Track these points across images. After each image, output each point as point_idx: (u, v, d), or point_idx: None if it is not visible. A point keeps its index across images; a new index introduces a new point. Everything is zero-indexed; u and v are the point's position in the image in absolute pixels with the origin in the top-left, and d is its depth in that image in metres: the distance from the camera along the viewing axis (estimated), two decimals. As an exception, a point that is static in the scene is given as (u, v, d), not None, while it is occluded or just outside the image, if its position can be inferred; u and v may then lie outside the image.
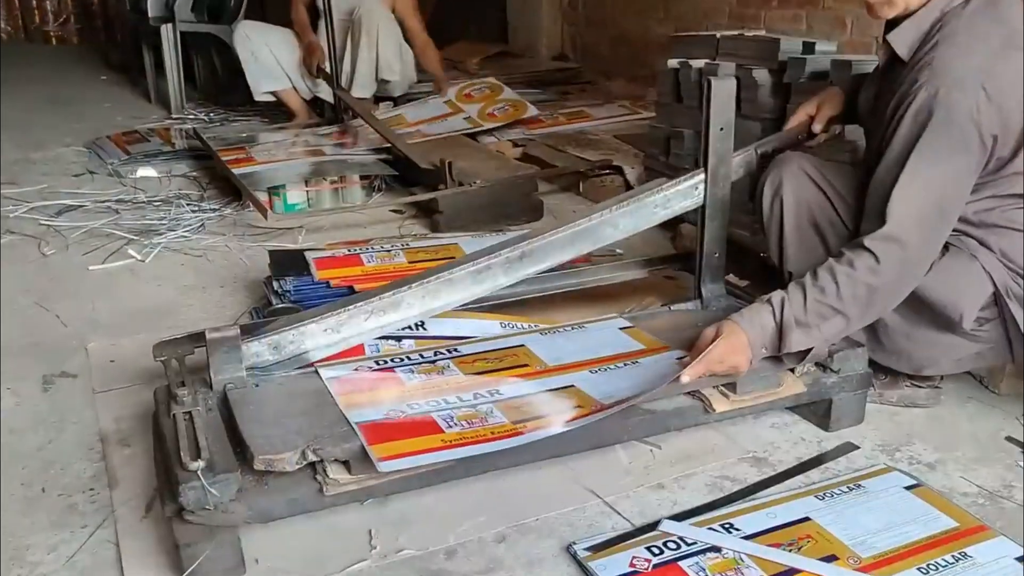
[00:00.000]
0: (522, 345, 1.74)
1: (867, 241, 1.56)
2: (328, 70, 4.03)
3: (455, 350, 1.71)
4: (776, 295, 1.60)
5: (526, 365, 1.67)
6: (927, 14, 1.61)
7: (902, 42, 1.63)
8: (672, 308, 1.96)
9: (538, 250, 1.76)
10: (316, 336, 1.61)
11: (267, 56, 4.11)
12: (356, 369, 1.62)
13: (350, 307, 1.63)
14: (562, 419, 1.46)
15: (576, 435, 1.49)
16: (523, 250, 1.74)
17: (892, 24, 1.67)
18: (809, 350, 1.61)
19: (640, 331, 1.81)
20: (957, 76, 1.52)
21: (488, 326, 1.87)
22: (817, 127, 1.92)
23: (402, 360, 1.67)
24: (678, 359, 1.67)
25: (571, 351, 1.72)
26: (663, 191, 1.84)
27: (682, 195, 1.85)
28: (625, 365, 1.67)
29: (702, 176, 1.84)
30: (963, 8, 1.58)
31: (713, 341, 1.57)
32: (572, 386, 1.59)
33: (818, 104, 1.94)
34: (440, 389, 1.57)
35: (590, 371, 1.65)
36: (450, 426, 1.43)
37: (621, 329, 1.82)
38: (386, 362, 1.66)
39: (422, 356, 1.69)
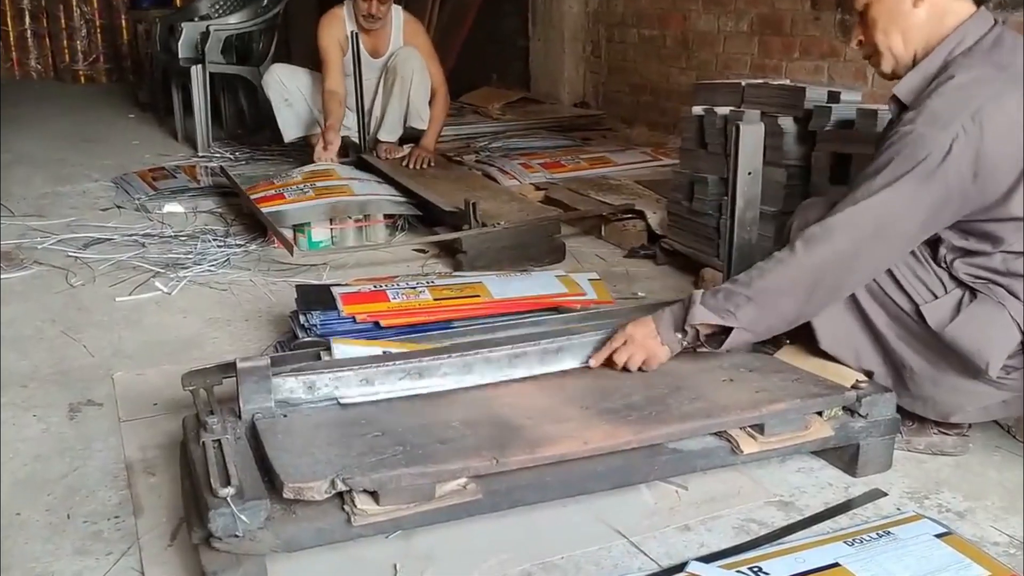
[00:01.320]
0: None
1: (797, 234, 1.63)
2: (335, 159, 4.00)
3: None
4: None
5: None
6: (930, 62, 1.64)
7: (906, 88, 1.67)
8: (697, 349, 1.95)
9: (575, 348, 1.80)
10: (351, 384, 1.63)
11: (300, 102, 4.17)
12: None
13: (389, 364, 1.67)
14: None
15: (602, 473, 1.50)
16: (560, 345, 1.79)
17: None
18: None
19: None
20: (939, 114, 1.54)
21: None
22: None
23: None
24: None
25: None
26: None
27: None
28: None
29: None
30: (965, 56, 1.61)
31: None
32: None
33: None
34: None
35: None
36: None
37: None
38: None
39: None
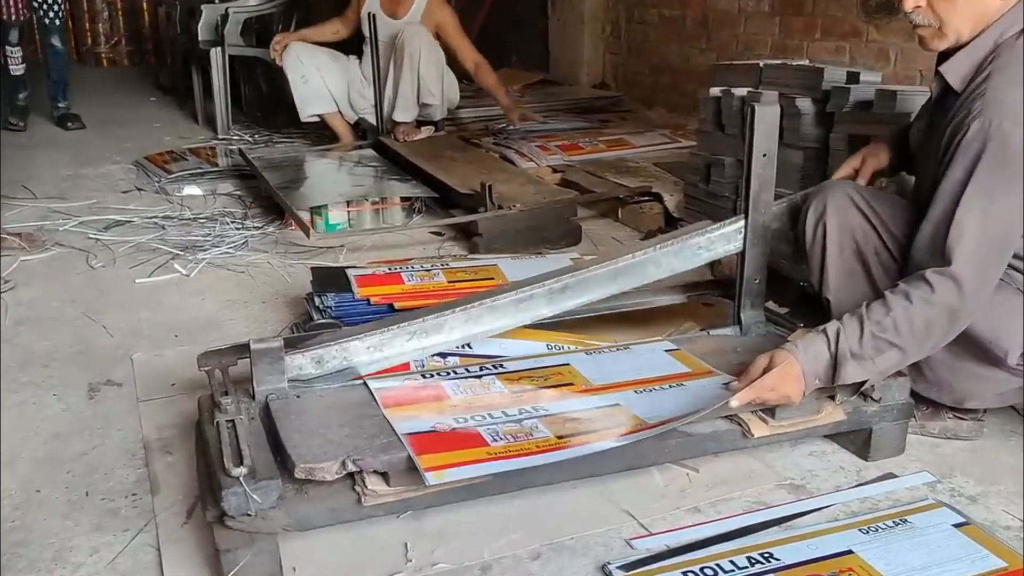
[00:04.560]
0: (567, 364, 1.75)
1: (927, 274, 1.54)
2: None
3: (500, 366, 1.73)
4: (831, 325, 1.58)
5: (571, 384, 1.67)
6: (980, 45, 1.60)
7: (955, 73, 1.63)
8: (711, 333, 1.95)
9: (580, 283, 1.77)
10: (359, 353, 1.63)
11: (316, 79, 4.19)
12: (405, 380, 1.65)
13: (393, 327, 1.66)
14: (607, 435, 1.48)
15: (613, 455, 1.50)
16: (566, 283, 1.76)
17: (944, 56, 1.67)
18: (863, 382, 1.58)
19: (685, 354, 1.81)
20: (1010, 107, 1.51)
21: (532, 347, 1.90)
22: (861, 181, 1.91)
23: (448, 374, 1.70)
24: (725, 384, 1.66)
25: (617, 371, 1.72)
26: (707, 233, 1.84)
27: (725, 239, 1.86)
28: (671, 387, 1.67)
29: (742, 223, 1.85)
30: (1016, 39, 1.57)
31: (766, 369, 1.56)
32: (617, 404, 1.60)
33: (863, 157, 1.94)
34: (486, 404, 1.58)
35: (635, 391, 1.65)
36: (495, 439, 1.45)
37: (666, 351, 1.82)
38: (432, 375, 1.68)
39: (467, 371, 1.71)
